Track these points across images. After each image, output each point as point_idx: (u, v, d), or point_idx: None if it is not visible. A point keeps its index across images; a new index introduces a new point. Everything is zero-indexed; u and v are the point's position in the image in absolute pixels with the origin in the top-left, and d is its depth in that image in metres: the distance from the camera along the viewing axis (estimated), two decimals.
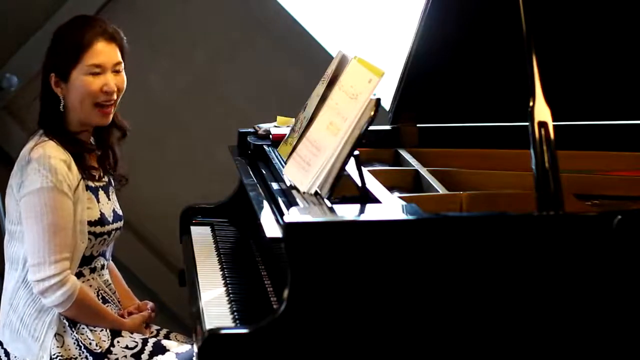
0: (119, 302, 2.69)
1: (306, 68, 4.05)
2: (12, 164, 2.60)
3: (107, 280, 2.67)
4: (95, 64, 2.50)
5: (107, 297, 2.64)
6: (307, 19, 4.17)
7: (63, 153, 2.49)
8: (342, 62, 2.50)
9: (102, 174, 2.64)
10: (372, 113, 2.31)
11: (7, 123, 3.99)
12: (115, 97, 2.54)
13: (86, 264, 2.58)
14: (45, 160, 2.45)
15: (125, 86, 2.58)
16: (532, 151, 2.15)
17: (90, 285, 2.59)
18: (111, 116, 2.57)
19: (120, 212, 2.69)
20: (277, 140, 2.84)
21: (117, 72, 2.55)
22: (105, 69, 2.52)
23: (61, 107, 2.52)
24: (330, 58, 2.62)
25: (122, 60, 2.57)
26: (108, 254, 2.68)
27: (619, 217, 2.12)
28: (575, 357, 2.15)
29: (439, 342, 2.10)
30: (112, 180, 2.69)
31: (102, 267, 2.65)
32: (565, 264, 2.12)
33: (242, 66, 4.17)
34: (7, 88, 3.93)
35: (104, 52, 2.51)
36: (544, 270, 2.12)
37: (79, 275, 2.56)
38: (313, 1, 4.24)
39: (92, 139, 2.65)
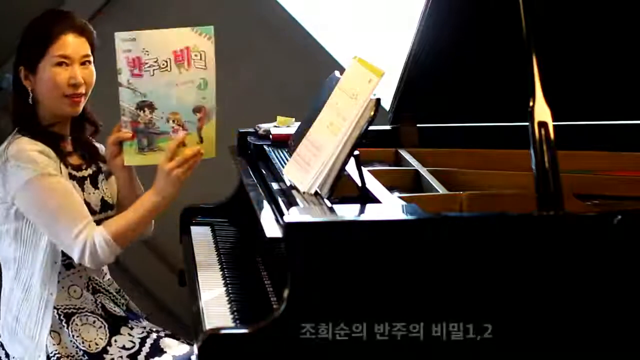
0: (107, 290, 2.68)
1: (306, 68, 4.04)
2: None
3: (102, 270, 2.68)
4: (62, 55, 2.50)
5: (97, 287, 2.64)
6: (307, 19, 4.17)
7: (37, 144, 2.49)
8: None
9: (86, 164, 2.64)
10: (372, 113, 2.31)
11: (7, 123, 3.98)
12: (83, 90, 2.53)
13: None
14: (21, 154, 2.45)
15: (94, 80, 2.57)
16: (532, 151, 2.15)
17: (81, 277, 2.59)
18: (81, 106, 2.56)
19: (111, 201, 2.68)
20: (277, 141, 2.84)
21: (85, 65, 2.54)
22: (72, 60, 2.51)
23: (30, 100, 2.52)
24: (330, 58, 2.62)
25: (90, 54, 2.56)
26: None
27: (619, 217, 2.12)
28: (575, 356, 2.15)
29: (439, 342, 2.10)
30: (102, 168, 2.68)
31: None
32: (565, 264, 2.12)
33: (242, 66, 4.17)
34: (7, 88, 3.93)
35: (72, 44, 2.51)
36: (544, 271, 2.12)
37: (70, 266, 2.56)
38: (313, 1, 4.24)
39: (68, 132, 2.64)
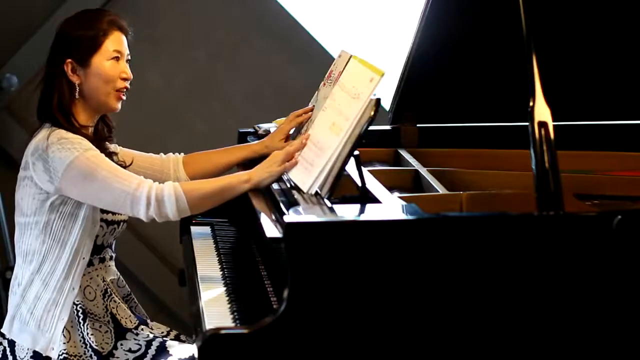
0: (124, 298, 2.68)
1: (306, 68, 4.05)
2: (12, 163, 2.60)
3: (115, 272, 2.67)
4: (117, 50, 2.55)
5: (109, 290, 2.62)
6: (307, 19, 4.17)
7: (76, 136, 2.51)
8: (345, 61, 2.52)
9: None
10: (373, 113, 2.32)
11: (7, 123, 3.99)
12: (128, 85, 2.59)
13: (97, 253, 2.58)
14: (63, 139, 2.47)
15: None
16: (532, 151, 2.15)
17: (97, 275, 2.59)
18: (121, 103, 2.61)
19: None
20: None
21: (128, 62, 2.61)
22: (123, 55, 2.57)
23: (76, 94, 2.54)
24: (330, 58, 2.62)
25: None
26: (114, 247, 2.68)
27: (619, 217, 2.12)
28: (575, 356, 2.15)
29: (439, 342, 2.10)
30: None
31: (110, 258, 2.65)
32: (565, 264, 2.12)
33: (242, 66, 4.18)
34: (7, 88, 3.94)
35: (121, 40, 2.58)
36: (544, 270, 2.12)
37: (89, 263, 2.56)
38: (313, 1, 4.25)
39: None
